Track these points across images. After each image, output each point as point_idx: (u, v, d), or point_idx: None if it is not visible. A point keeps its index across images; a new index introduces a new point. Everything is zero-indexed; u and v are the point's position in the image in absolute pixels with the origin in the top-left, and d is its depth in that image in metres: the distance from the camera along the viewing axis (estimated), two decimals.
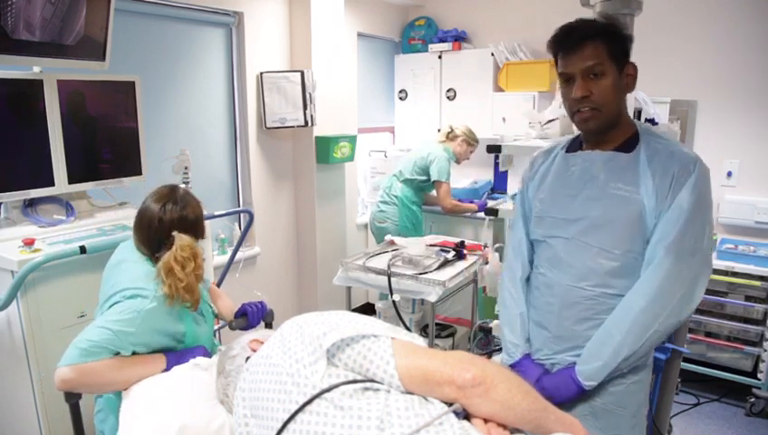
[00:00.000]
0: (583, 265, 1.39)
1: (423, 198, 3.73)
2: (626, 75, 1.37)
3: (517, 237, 1.58)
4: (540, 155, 1.59)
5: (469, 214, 3.73)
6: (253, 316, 1.80)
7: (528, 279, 1.56)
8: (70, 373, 1.30)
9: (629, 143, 1.39)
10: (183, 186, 1.67)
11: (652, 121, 2.03)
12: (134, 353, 1.41)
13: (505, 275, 1.60)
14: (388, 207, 3.64)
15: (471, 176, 4.31)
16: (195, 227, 1.51)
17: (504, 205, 2.24)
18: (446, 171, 3.54)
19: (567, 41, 1.34)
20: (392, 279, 2.07)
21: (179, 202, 1.51)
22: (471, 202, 3.77)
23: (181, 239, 1.42)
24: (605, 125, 1.37)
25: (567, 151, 1.50)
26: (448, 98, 4.23)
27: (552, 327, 1.45)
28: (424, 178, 3.59)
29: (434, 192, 3.65)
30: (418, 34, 4.43)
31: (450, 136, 3.70)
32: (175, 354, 1.46)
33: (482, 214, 3.06)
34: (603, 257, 1.37)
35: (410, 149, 3.89)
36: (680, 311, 1.32)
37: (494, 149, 2.02)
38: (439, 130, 3.85)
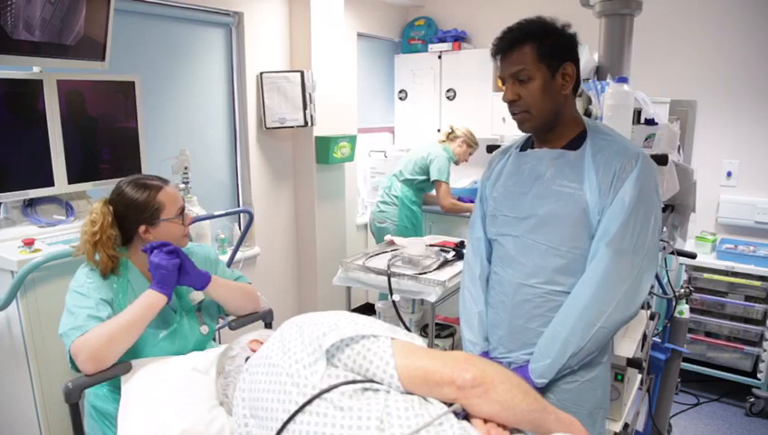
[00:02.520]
0: (533, 263, 1.41)
1: (423, 198, 3.73)
2: (561, 75, 1.37)
3: (476, 236, 1.60)
4: (497, 155, 1.61)
5: (468, 214, 3.73)
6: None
7: (487, 278, 1.58)
8: (77, 353, 1.34)
9: (577, 140, 1.41)
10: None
11: (652, 121, 2.03)
12: None
13: (465, 274, 1.62)
14: (388, 208, 3.64)
15: (471, 176, 4.31)
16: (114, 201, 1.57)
17: None
18: (445, 171, 3.54)
19: (499, 45, 1.39)
20: (392, 279, 2.07)
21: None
22: (470, 201, 3.77)
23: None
24: (540, 126, 1.41)
25: (520, 150, 1.53)
26: (448, 98, 4.23)
27: (505, 325, 1.47)
28: (424, 177, 3.59)
29: (434, 192, 3.65)
30: (418, 34, 4.42)
31: (451, 136, 3.70)
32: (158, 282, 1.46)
33: None
34: (551, 255, 1.39)
35: (410, 150, 3.89)
36: (626, 307, 1.32)
37: (494, 149, 2.03)
38: (439, 131, 3.85)
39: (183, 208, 1.61)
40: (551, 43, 1.35)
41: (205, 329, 1.64)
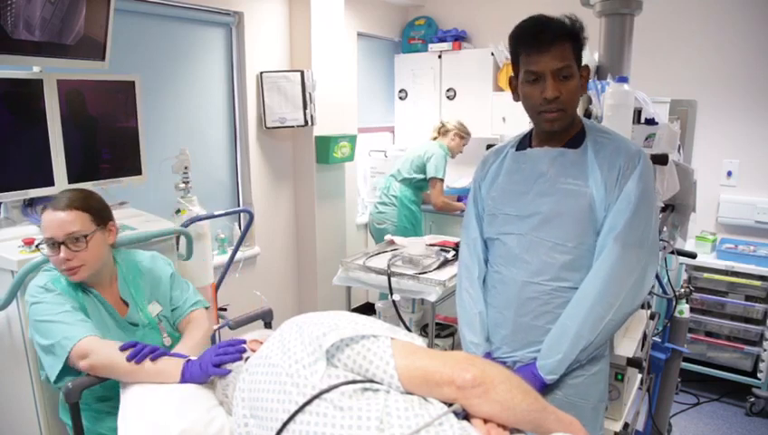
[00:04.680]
0: (539, 261, 1.41)
1: (422, 197, 3.73)
2: (581, 77, 1.39)
3: (471, 237, 1.59)
4: (491, 154, 1.60)
5: (459, 212, 3.75)
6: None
7: (484, 279, 1.57)
8: (82, 355, 1.35)
9: (576, 139, 1.43)
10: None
11: (652, 121, 2.03)
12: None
13: (462, 275, 1.60)
14: (387, 208, 3.64)
15: (471, 175, 4.31)
16: None
17: None
18: (442, 168, 3.56)
19: (537, 39, 1.33)
20: (392, 279, 2.07)
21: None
22: (460, 200, 3.80)
23: None
24: (566, 125, 1.40)
25: (517, 150, 1.52)
26: (448, 98, 4.23)
27: (510, 324, 1.46)
28: (422, 176, 3.60)
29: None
30: (418, 34, 4.42)
31: (442, 131, 3.73)
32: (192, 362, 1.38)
33: None
34: (557, 251, 1.39)
35: (405, 149, 3.91)
36: (632, 299, 1.35)
37: None
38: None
39: (53, 241, 1.45)
40: (580, 45, 1.36)
41: (168, 340, 1.63)
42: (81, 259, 1.47)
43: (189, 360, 1.37)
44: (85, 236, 1.46)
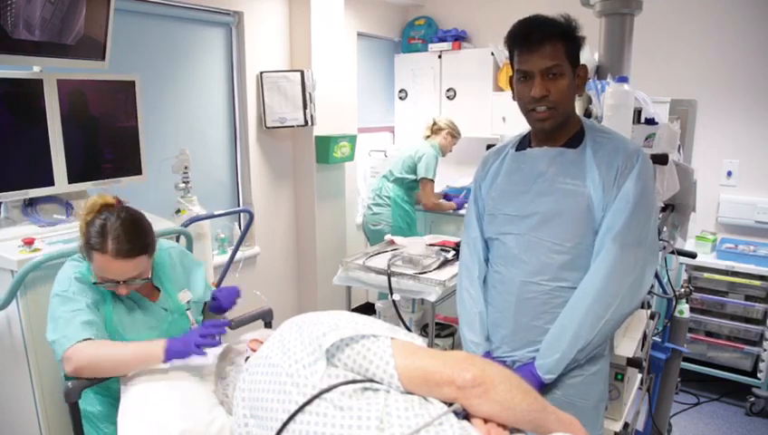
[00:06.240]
0: (537, 261, 1.42)
1: (414, 197, 3.74)
2: (577, 76, 1.39)
3: (472, 236, 1.60)
4: (491, 154, 1.61)
5: (450, 211, 3.79)
6: (224, 299, 1.77)
7: (484, 278, 1.57)
8: (66, 361, 1.37)
9: (576, 139, 1.43)
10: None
11: (652, 121, 2.03)
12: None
13: (462, 275, 1.60)
14: (381, 209, 3.65)
15: (472, 175, 4.31)
16: None
17: None
18: (432, 169, 3.57)
19: (528, 39, 1.35)
20: (392, 279, 2.07)
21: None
22: (450, 200, 3.81)
23: None
24: (558, 124, 1.40)
25: (516, 150, 1.53)
26: (448, 98, 4.23)
27: (509, 324, 1.47)
28: (413, 176, 3.61)
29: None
30: (418, 34, 4.42)
31: (435, 129, 3.74)
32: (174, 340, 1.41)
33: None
34: (555, 251, 1.40)
35: (398, 149, 3.92)
36: (631, 299, 1.35)
37: None
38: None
39: (116, 280, 1.45)
40: (575, 44, 1.37)
41: (195, 327, 1.64)
42: (139, 286, 1.53)
43: (172, 339, 1.41)
44: (144, 275, 1.50)
